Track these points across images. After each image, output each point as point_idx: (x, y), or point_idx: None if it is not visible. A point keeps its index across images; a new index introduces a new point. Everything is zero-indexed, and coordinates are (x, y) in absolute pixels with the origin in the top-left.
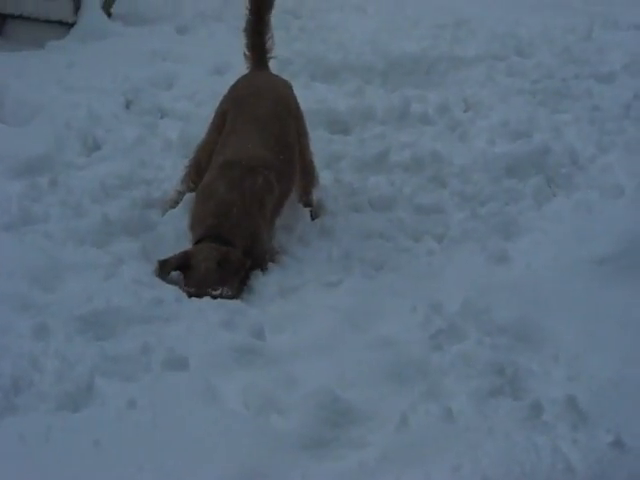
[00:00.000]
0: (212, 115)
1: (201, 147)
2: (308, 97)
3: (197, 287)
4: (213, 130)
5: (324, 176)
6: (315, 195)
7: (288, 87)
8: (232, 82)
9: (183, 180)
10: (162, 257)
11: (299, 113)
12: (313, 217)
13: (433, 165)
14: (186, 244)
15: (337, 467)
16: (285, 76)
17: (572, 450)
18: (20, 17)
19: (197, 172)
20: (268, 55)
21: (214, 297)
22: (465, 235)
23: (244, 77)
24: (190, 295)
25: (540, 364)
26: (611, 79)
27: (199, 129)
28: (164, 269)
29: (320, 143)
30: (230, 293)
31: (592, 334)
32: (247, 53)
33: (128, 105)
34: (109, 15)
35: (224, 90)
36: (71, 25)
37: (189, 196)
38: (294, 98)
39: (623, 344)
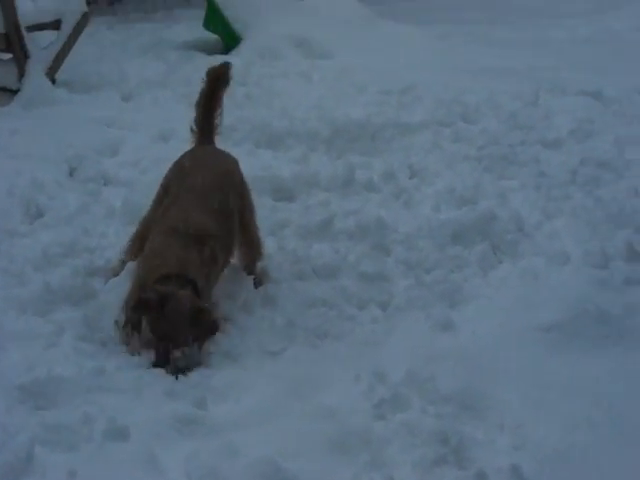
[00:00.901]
0: (156, 189)
1: (145, 220)
2: (253, 164)
3: (165, 336)
4: (156, 203)
5: (268, 244)
6: (259, 264)
7: (233, 162)
8: (176, 149)
9: (127, 251)
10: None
11: (244, 188)
12: (257, 285)
13: (378, 232)
14: None
15: None
16: (229, 143)
17: None
18: None
19: (141, 244)
20: (216, 131)
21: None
22: (410, 303)
23: (189, 151)
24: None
25: (485, 433)
26: (557, 145)
27: (143, 196)
28: (138, 310)
29: (264, 210)
30: (196, 357)
31: (537, 402)
32: (195, 128)
33: (71, 172)
34: (53, 82)
35: (169, 156)
36: (15, 92)
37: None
38: (239, 173)
39: (568, 412)
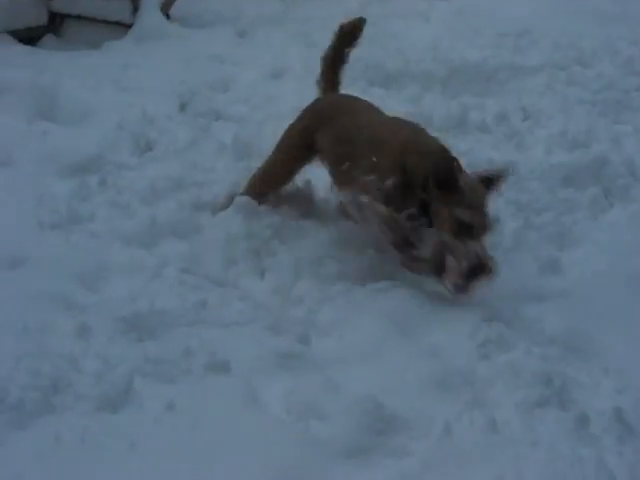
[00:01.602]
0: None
1: (272, 168)
2: None
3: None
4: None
5: None
6: None
7: None
8: (289, 87)
9: (246, 189)
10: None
11: None
12: None
13: None
14: (236, 249)
15: (378, 475)
16: (343, 81)
17: (617, 464)
18: (78, 17)
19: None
20: (341, 85)
21: None
22: (518, 244)
23: (328, 99)
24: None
25: (588, 375)
26: None
27: (253, 133)
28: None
29: None
30: None
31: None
32: (322, 81)
33: (182, 107)
34: (167, 17)
35: (280, 94)
36: (129, 26)
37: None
38: None
39: None
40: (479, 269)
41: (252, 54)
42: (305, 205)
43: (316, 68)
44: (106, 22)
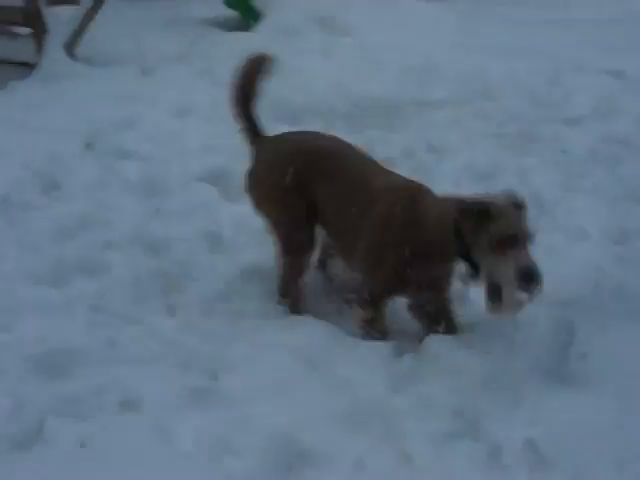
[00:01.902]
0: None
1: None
2: None
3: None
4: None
5: None
6: None
7: None
8: (194, 124)
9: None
10: None
11: None
12: None
13: None
14: (145, 286)
15: None
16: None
17: None
18: None
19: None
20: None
21: None
22: None
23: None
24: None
25: (500, 406)
26: (578, 123)
27: (159, 170)
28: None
29: None
30: None
31: (556, 376)
32: (244, 126)
33: (89, 146)
34: (72, 56)
35: (186, 131)
36: (33, 66)
37: None
38: None
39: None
40: (532, 274)
41: (157, 92)
42: (212, 240)
43: (222, 104)
44: (10, 62)
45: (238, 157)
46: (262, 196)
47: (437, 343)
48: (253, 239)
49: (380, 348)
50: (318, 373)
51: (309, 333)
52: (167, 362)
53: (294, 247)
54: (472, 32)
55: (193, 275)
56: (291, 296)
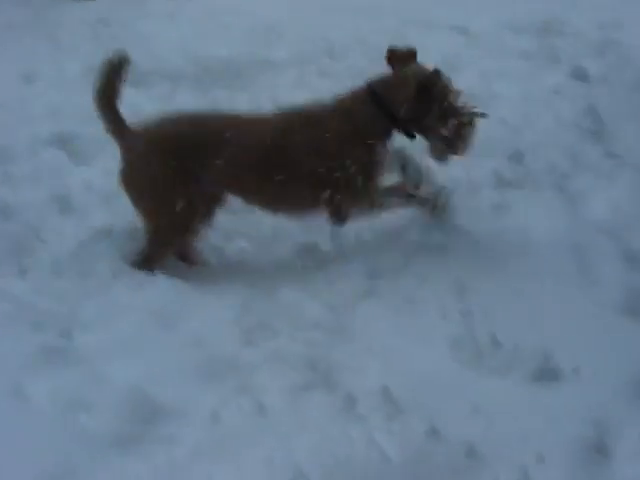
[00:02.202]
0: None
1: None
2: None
3: None
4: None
5: None
6: None
7: None
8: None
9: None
10: None
11: None
12: None
13: None
14: None
15: (148, 464)
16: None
17: (387, 440)
18: None
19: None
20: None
21: None
22: (277, 233)
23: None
24: None
25: (354, 357)
26: None
27: (7, 136)
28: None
29: None
30: None
31: (408, 327)
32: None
33: None
34: None
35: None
36: None
37: None
38: None
39: (439, 336)
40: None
41: (2, 59)
42: (61, 203)
43: (67, 70)
44: None
45: (85, 121)
46: (143, 190)
47: (286, 295)
48: (103, 201)
49: (231, 303)
50: (170, 330)
51: (160, 291)
52: (20, 323)
53: (173, 234)
54: None
55: (44, 238)
56: (151, 267)
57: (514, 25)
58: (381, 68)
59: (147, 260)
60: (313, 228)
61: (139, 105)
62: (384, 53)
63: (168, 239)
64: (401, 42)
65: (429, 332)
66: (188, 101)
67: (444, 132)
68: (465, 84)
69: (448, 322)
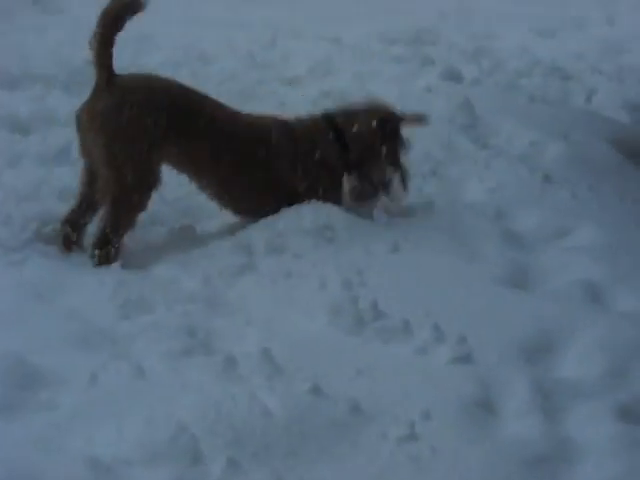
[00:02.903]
0: None
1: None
2: None
3: None
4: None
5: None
6: None
7: None
8: None
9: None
10: None
11: None
12: None
13: None
14: None
15: (29, 429)
16: None
17: (269, 396)
18: None
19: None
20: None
21: None
22: (154, 219)
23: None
24: None
25: (233, 327)
26: (296, 82)
27: None
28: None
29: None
30: None
31: (286, 298)
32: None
33: None
34: None
35: None
36: None
37: None
38: None
39: (319, 305)
40: None
41: None
42: None
43: None
44: None
45: None
46: (120, 136)
47: (162, 271)
48: None
49: (107, 279)
50: (47, 305)
51: (37, 268)
52: None
53: (134, 201)
54: (186, 7)
55: None
56: (109, 249)
57: (386, 37)
58: (252, 72)
59: (111, 238)
60: (190, 212)
61: (12, 107)
62: (254, 58)
63: (136, 197)
64: (271, 49)
65: (308, 302)
66: (61, 103)
67: (379, 176)
68: (339, 85)
69: (328, 292)
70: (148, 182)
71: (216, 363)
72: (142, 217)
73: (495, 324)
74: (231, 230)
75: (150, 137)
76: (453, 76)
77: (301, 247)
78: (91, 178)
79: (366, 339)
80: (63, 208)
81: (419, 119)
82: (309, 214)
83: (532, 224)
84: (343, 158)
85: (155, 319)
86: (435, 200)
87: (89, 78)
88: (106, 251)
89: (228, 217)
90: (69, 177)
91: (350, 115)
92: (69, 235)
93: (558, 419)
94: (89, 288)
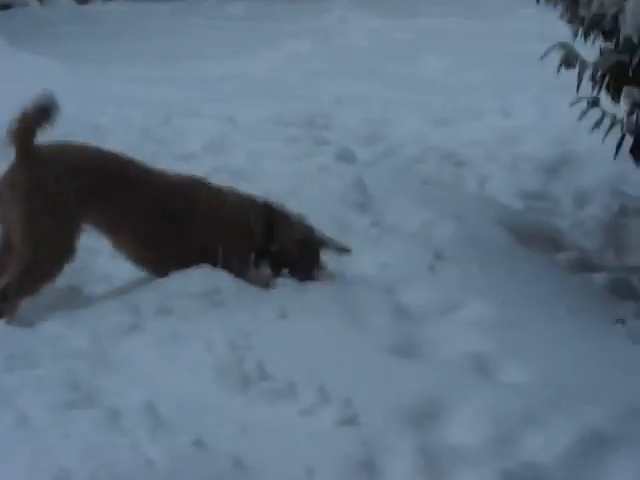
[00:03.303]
0: None
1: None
2: None
3: None
4: None
5: None
6: None
7: None
8: None
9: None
10: None
11: None
12: None
13: None
14: None
15: None
16: None
17: (153, 448)
18: None
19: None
20: None
21: None
22: None
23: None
24: None
25: (118, 382)
26: (191, 158)
27: None
28: None
29: None
30: None
31: (173, 358)
32: None
33: None
34: None
35: None
36: None
37: None
38: None
39: (205, 366)
40: None
41: None
42: None
43: None
44: None
45: None
46: (40, 209)
47: (49, 327)
48: None
49: None
50: None
51: None
52: None
53: (46, 273)
54: (84, 84)
55: None
56: (4, 305)
57: (281, 120)
58: (147, 147)
59: (10, 297)
60: (75, 272)
61: None
62: (150, 133)
63: (48, 269)
64: (166, 125)
65: (194, 361)
66: None
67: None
68: (232, 163)
69: (213, 353)
70: (64, 256)
71: (99, 415)
72: None
73: (381, 388)
74: (119, 292)
75: (70, 208)
76: (347, 157)
77: (188, 310)
78: (7, 245)
79: (251, 399)
80: None
81: (343, 249)
82: (197, 277)
83: (422, 299)
84: (264, 242)
85: (40, 373)
86: (324, 271)
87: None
88: (1, 306)
89: (117, 281)
90: None
91: (287, 214)
92: None
93: None
94: None
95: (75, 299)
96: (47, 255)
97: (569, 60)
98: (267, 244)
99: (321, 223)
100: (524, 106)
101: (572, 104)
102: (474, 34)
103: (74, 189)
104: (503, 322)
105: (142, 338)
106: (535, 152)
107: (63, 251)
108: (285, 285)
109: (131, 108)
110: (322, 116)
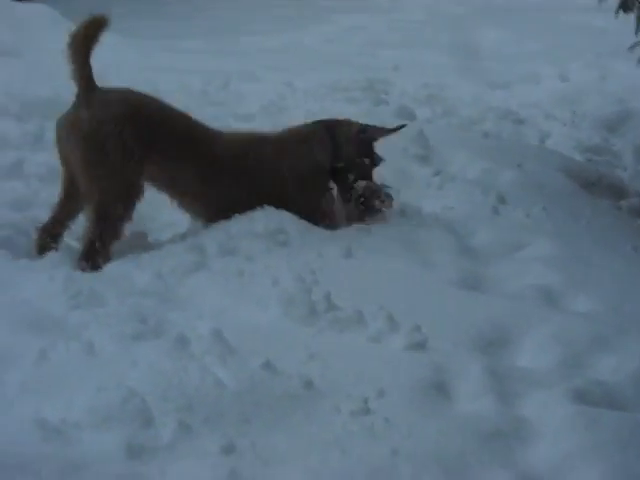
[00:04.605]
0: None
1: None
2: None
3: None
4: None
5: None
6: None
7: None
8: None
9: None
10: None
11: None
12: None
13: None
14: None
15: None
16: None
17: (222, 371)
18: None
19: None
20: None
21: None
22: None
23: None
24: None
25: (185, 317)
26: (249, 118)
27: None
28: None
29: None
30: None
31: (239, 292)
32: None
33: None
34: None
35: None
36: None
37: None
38: None
39: (271, 299)
40: None
41: None
42: None
43: None
44: None
45: None
46: (95, 149)
47: (114, 267)
48: None
49: (57, 275)
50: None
51: None
52: None
53: (117, 212)
54: (144, 57)
55: None
56: (96, 261)
57: (337, 84)
58: (207, 109)
59: (98, 249)
60: (142, 218)
61: None
62: (209, 96)
63: (120, 209)
64: (225, 90)
65: (261, 295)
66: (12, 128)
67: (358, 190)
68: (290, 123)
69: (280, 287)
70: (131, 194)
71: (167, 344)
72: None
73: (449, 317)
74: (183, 237)
75: (132, 148)
76: (407, 115)
77: (253, 249)
78: (70, 188)
79: (319, 328)
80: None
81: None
82: (261, 218)
83: (487, 239)
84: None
85: (106, 310)
86: (388, 214)
87: (42, 109)
88: (94, 263)
89: (181, 228)
90: (22, 189)
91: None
92: (46, 245)
93: (512, 402)
94: (40, 283)
95: (140, 244)
96: (114, 195)
97: (627, 3)
98: (337, 162)
99: (384, 174)
100: (581, 71)
101: (630, 47)
102: (530, 6)
103: (132, 134)
104: (569, 258)
105: (207, 276)
106: (594, 111)
107: (129, 189)
108: (349, 228)
109: (190, 75)
110: (380, 82)
